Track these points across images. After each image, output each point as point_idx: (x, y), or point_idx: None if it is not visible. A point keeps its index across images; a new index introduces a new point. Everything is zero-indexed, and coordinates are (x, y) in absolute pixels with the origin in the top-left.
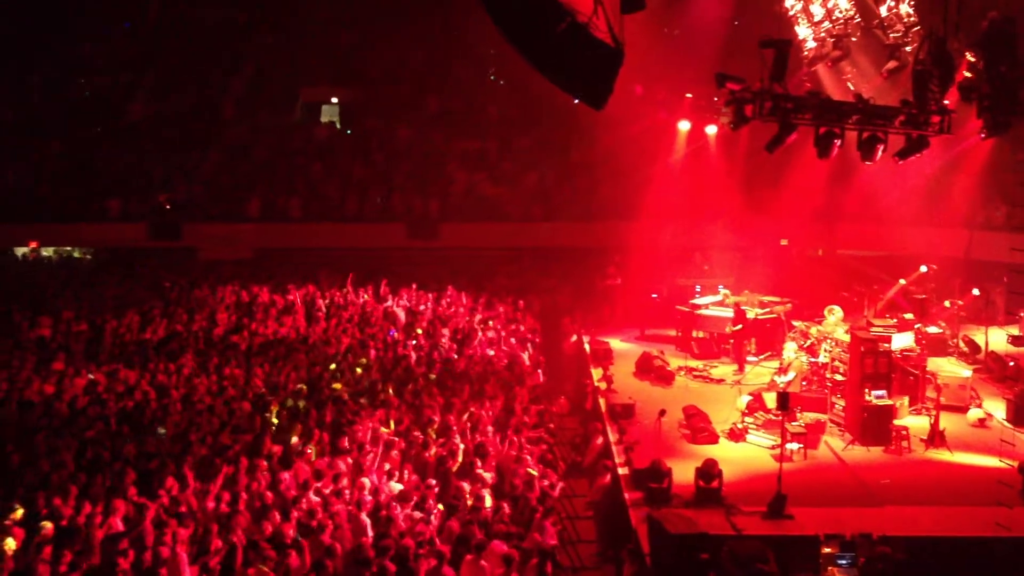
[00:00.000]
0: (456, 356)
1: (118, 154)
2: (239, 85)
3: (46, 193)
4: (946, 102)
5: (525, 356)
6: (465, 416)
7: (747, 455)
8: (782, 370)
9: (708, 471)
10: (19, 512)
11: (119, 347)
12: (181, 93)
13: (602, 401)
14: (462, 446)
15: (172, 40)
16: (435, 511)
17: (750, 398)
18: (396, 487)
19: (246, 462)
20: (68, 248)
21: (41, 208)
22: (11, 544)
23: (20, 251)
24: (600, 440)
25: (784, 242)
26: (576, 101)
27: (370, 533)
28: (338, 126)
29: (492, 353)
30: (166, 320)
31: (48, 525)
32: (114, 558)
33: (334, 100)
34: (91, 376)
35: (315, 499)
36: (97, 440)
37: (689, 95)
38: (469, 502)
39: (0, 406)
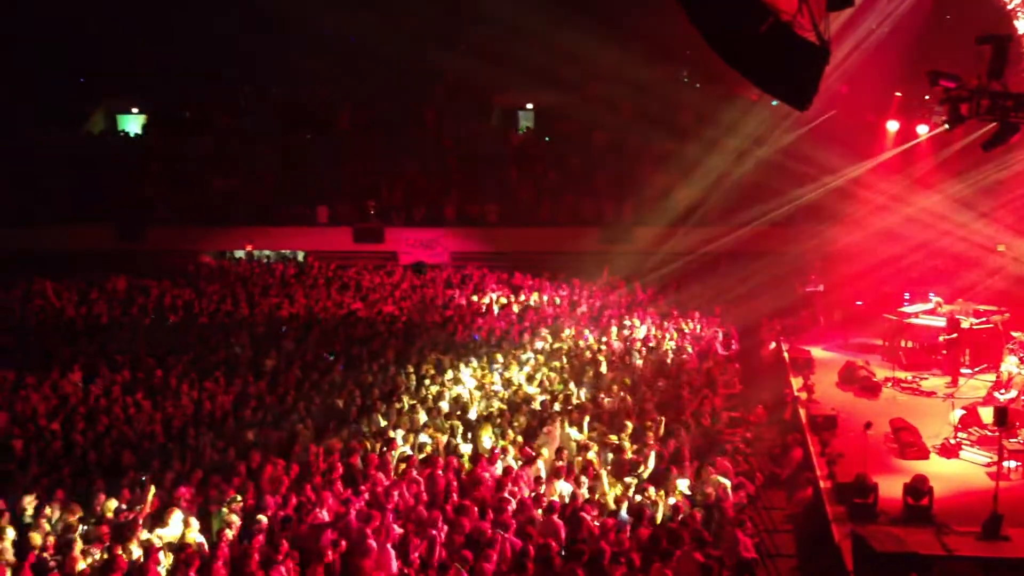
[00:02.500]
0: (649, 361)
1: (326, 161)
2: (440, 93)
3: (261, 199)
4: None
5: (720, 363)
6: (660, 423)
7: (960, 472)
8: (1002, 384)
9: (918, 487)
10: (239, 501)
11: (325, 344)
12: (386, 101)
13: (802, 411)
14: (654, 452)
15: (376, 50)
16: (627, 517)
17: (964, 412)
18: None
19: (441, 461)
20: (281, 251)
21: (257, 213)
22: (230, 533)
23: (239, 254)
24: (800, 452)
25: (1001, 247)
26: (776, 102)
27: (562, 536)
28: (525, 131)
29: (686, 359)
30: (368, 318)
31: (263, 519)
32: (322, 549)
33: (529, 106)
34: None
35: (509, 500)
36: (303, 434)
37: (898, 94)
38: (661, 509)
39: (217, 400)
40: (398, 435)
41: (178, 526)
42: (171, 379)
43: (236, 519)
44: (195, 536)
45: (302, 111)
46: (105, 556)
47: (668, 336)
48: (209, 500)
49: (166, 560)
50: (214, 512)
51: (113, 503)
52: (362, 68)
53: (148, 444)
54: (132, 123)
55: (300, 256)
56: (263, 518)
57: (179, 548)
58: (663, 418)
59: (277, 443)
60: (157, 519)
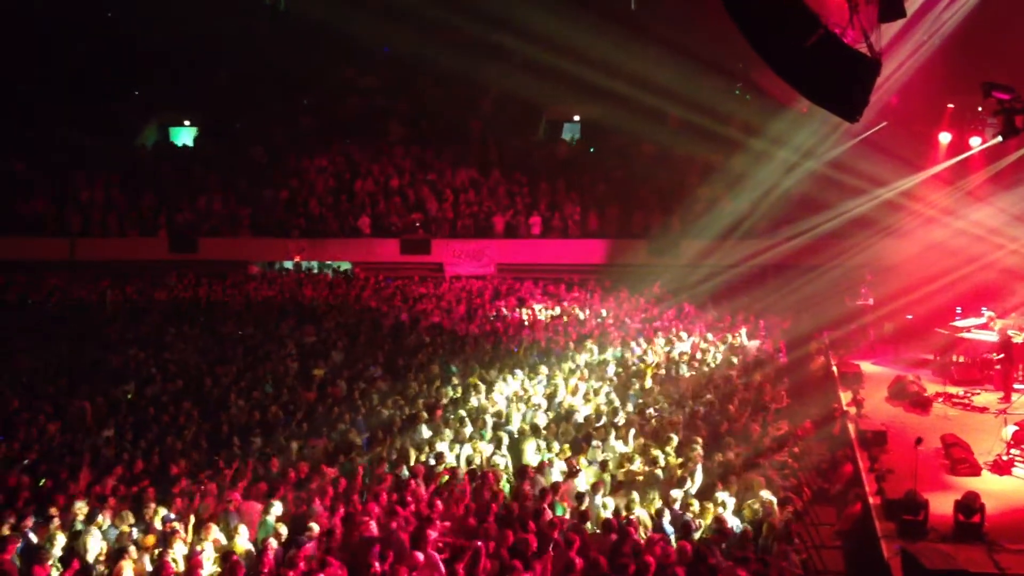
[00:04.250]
0: (695, 374)
1: (374, 173)
2: (487, 105)
3: (310, 210)
4: None
5: (771, 376)
6: (703, 438)
7: (1013, 489)
8: None
9: (969, 504)
10: (280, 509)
11: (375, 355)
12: (434, 114)
13: (851, 426)
14: (700, 466)
15: (425, 63)
16: (672, 532)
17: (1017, 428)
18: (640, 511)
19: (488, 473)
20: (330, 262)
21: (305, 224)
22: (274, 543)
23: (287, 264)
24: (850, 467)
25: None
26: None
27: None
28: (574, 143)
29: (733, 372)
30: (415, 329)
31: (315, 527)
32: (369, 561)
33: (576, 118)
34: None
35: (553, 512)
36: (352, 444)
37: (951, 105)
38: (706, 524)
39: (266, 410)
40: (443, 446)
41: (225, 534)
42: (220, 388)
43: (282, 528)
44: (242, 544)
45: (351, 123)
46: (154, 563)
47: (715, 349)
48: (255, 509)
49: (211, 566)
50: (260, 521)
51: (162, 511)
52: (412, 81)
53: (196, 453)
54: (184, 135)
55: (343, 267)
56: (312, 527)
57: (226, 556)
58: (701, 437)
59: (324, 453)
60: (204, 527)
